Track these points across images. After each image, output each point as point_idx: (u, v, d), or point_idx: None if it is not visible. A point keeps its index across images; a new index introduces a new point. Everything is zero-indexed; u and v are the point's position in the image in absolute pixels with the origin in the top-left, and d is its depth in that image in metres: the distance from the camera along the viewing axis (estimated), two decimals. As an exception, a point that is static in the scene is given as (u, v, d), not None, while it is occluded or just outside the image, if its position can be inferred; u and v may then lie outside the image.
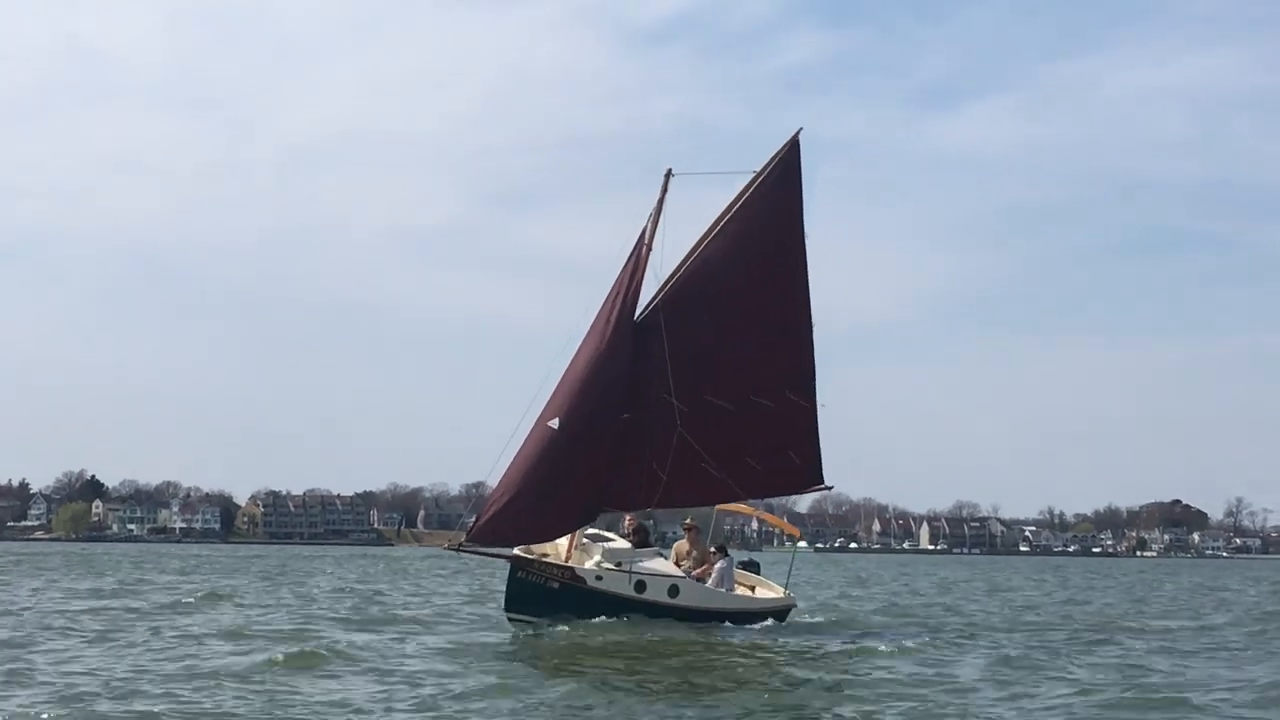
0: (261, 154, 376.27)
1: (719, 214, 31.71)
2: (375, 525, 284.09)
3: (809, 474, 32.80)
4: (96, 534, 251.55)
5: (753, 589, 32.85)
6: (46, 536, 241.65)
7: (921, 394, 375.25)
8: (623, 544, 31.04)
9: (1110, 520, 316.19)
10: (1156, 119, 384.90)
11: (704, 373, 31.32)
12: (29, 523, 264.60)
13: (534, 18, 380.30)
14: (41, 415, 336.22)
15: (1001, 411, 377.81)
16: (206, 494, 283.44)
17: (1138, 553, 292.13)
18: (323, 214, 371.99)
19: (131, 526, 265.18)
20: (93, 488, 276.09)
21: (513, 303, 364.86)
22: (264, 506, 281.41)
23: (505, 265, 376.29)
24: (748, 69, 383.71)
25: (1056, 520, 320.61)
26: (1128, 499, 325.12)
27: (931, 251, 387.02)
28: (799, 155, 32.05)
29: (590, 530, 31.56)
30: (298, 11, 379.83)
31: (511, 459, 30.49)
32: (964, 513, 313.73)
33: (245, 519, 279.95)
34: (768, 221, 31.72)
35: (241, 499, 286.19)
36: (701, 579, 31.17)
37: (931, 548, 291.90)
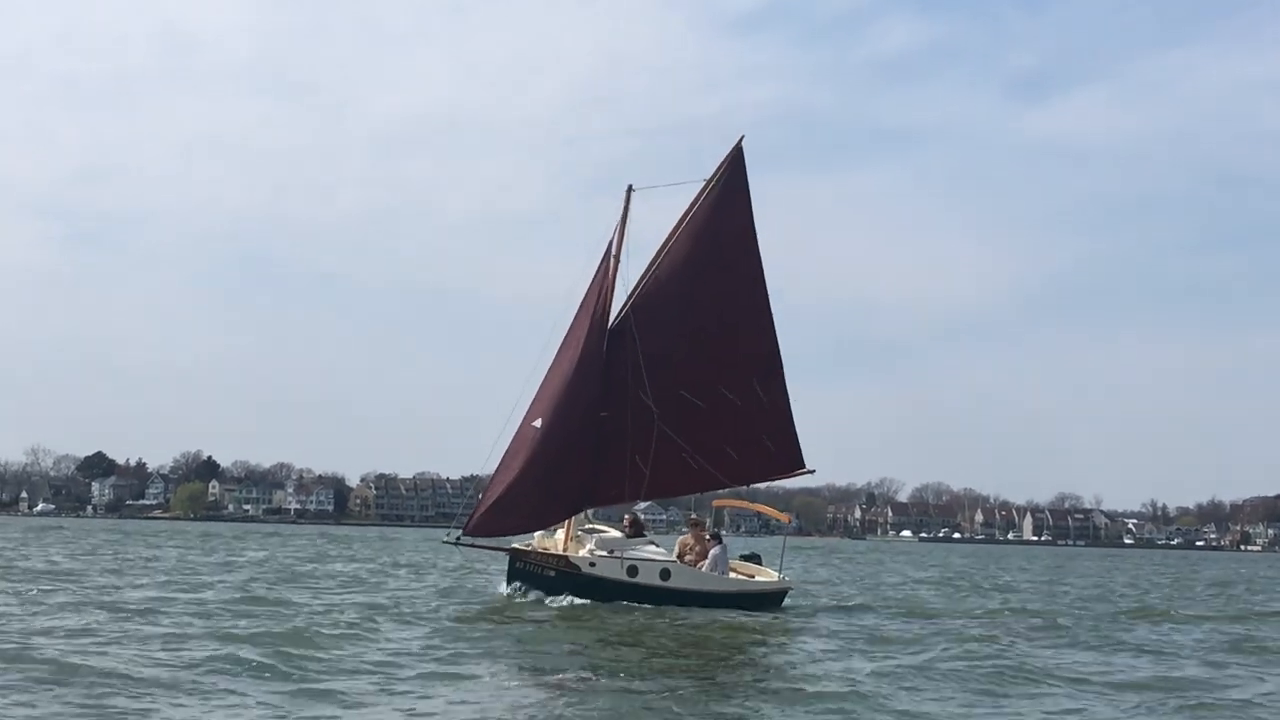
0: (354, 138, 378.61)
1: (674, 223, 34.23)
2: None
3: (788, 460, 34.84)
4: (213, 513, 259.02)
5: (752, 576, 34.55)
6: (165, 515, 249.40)
7: (1020, 383, 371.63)
8: (615, 533, 33.55)
9: (1213, 514, 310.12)
10: (1252, 110, 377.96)
11: (674, 372, 33.80)
12: (147, 501, 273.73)
13: (629, 4, 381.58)
14: (154, 397, 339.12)
15: (1102, 401, 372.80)
16: (319, 475, 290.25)
17: (1241, 547, 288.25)
18: (416, 198, 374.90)
19: (247, 507, 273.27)
20: (209, 468, 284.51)
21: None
22: (376, 489, 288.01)
23: (598, 252, 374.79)
24: (841, 56, 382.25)
25: (1159, 513, 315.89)
26: (1231, 492, 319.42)
27: (1031, 240, 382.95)
28: (744, 161, 34.44)
29: (587, 525, 34.18)
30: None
31: (501, 457, 33.25)
32: (1065, 504, 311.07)
33: (358, 500, 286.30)
34: (720, 226, 34.12)
35: (353, 481, 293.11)
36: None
37: (1035, 539, 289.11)
